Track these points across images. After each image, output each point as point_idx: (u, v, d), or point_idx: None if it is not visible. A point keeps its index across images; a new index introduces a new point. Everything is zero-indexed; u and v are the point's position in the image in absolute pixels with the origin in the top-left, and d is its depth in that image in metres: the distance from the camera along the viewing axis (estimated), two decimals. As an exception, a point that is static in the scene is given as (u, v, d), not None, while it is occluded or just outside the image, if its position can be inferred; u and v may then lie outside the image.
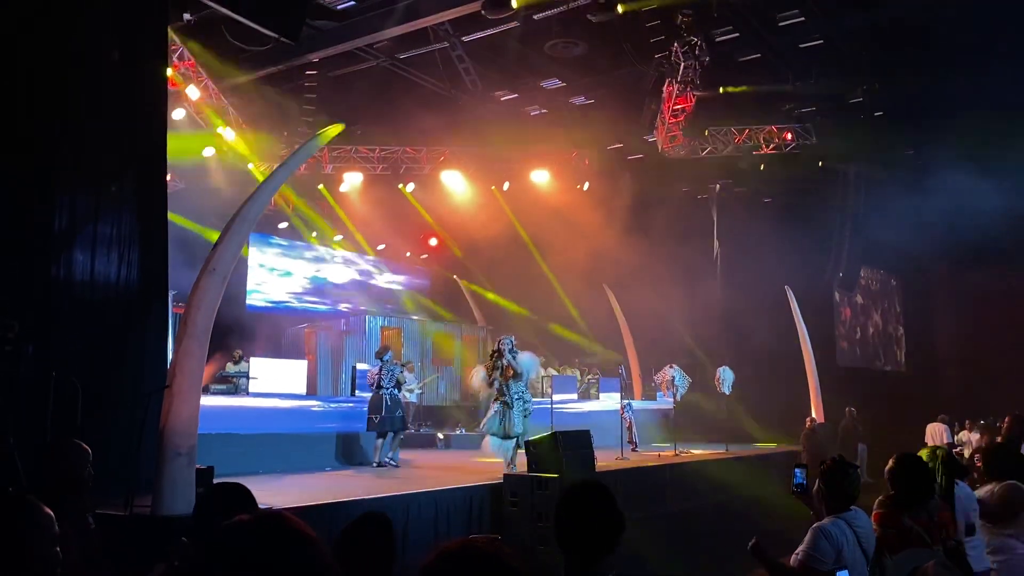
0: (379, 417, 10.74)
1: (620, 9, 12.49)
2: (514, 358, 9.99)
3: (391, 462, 10.74)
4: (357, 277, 21.06)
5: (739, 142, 16.83)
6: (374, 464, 10.72)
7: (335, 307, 19.95)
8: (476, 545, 1.38)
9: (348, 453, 11.36)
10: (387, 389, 10.84)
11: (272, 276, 19.00)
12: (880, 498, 3.85)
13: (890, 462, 3.99)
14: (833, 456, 3.95)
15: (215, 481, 6.45)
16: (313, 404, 12.01)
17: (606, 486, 2.44)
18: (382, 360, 11.10)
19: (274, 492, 7.47)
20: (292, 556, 1.17)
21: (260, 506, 2.99)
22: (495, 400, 10.02)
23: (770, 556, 3.83)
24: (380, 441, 10.85)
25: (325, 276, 20.22)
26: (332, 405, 12.20)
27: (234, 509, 2.78)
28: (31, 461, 5.18)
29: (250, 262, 18.17)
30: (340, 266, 20.70)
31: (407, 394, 13.03)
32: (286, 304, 19.17)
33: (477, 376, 10.55)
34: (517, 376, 9.94)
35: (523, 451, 9.52)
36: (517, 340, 10.45)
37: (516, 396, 9.89)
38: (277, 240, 19.14)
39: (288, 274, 19.44)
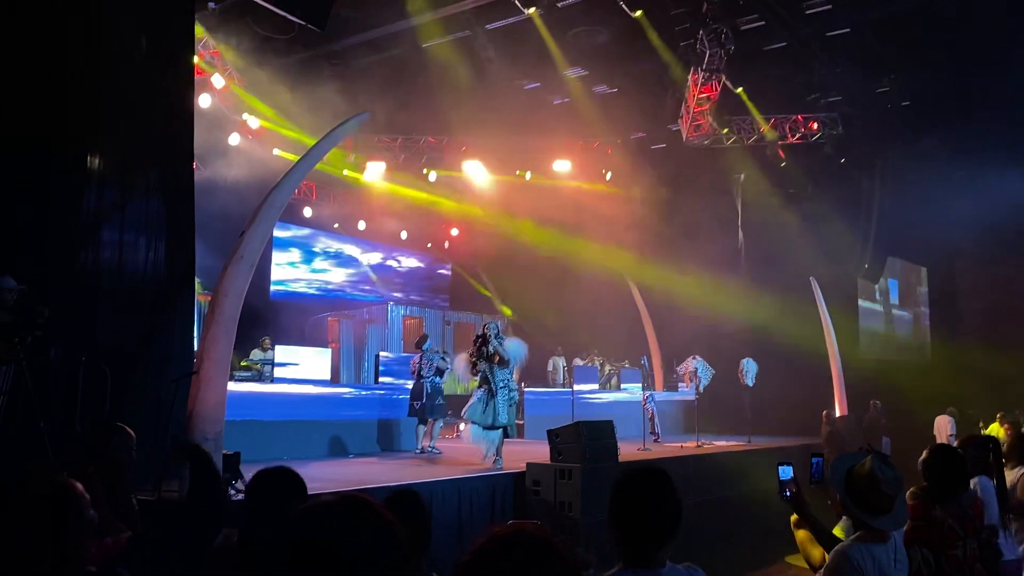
0: (420, 404, 10.93)
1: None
2: (500, 344, 9.51)
3: (432, 450, 10.85)
4: (419, 266, 22.14)
5: (764, 132, 16.67)
6: (417, 451, 10.91)
7: (389, 295, 20.48)
8: (527, 530, 1.38)
9: (373, 440, 11.49)
10: (427, 378, 11.03)
11: (330, 263, 19.75)
12: (912, 489, 3.80)
13: (924, 453, 3.95)
14: (865, 448, 3.90)
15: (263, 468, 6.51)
16: (345, 391, 12.16)
17: (666, 472, 2.40)
18: (422, 349, 11.29)
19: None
20: (377, 541, 1.17)
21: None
22: (479, 387, 9.57)
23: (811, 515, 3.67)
24: (422, 428, 11.06)
25: (392, 264, 21.46)
26: (364, 392, 12.32)
27: (284, 493, 2.84)
28: (73, 444, 5.26)
29: (317, 248, 19.23)
30: (403, 256, 21.79)
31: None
32: (337, 292, 19.61)
33: (462, 364, 10.07)
34: (504, 363, 9.46)
35: (509, 440, 9.49)
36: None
37: (501, 384, 9.38)
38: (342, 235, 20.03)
39: (353, 262, 20.30)
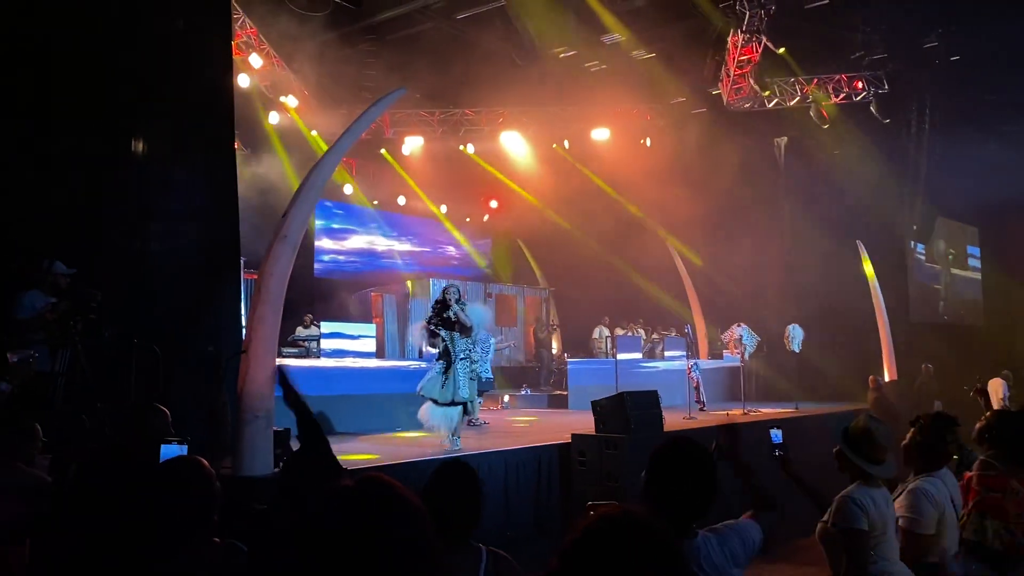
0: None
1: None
2: (462, 309, 8.60)
3: (480, 423, 10.92)
4: (459, 238, 22.23)
5: (807, 92, 16.30)
6: (468, 422, 11.01)
7: (430, 268, 20.56)
8: (636, 514, 1.35)
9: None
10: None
11: (372, 239, 20.00)
12: (981, 459, 3.71)
13: (983, 419, 3.85)
14: (939, 411, 3.84)
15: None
16: (403, 364, 12.27)
17: (704, 446, 2.39)
18: None
19: (349, 452, 7.64)
20: (397, 529, 1.15)
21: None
22: (437, 359, 8.70)
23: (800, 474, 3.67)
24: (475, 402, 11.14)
25: (432, 238, 21.63)
26: (425, 364, 12.44)
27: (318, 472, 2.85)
28: (116, 425, 5.39)
29: (359, 225, 19.61)
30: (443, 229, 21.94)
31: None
32: (379, 267, 19.83)
33: (417, 332, 9.22)
34: (466, 331, 8.56)
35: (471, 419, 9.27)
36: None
37: (462, 355, 8.51)
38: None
39: (394, 237, 20.59)
